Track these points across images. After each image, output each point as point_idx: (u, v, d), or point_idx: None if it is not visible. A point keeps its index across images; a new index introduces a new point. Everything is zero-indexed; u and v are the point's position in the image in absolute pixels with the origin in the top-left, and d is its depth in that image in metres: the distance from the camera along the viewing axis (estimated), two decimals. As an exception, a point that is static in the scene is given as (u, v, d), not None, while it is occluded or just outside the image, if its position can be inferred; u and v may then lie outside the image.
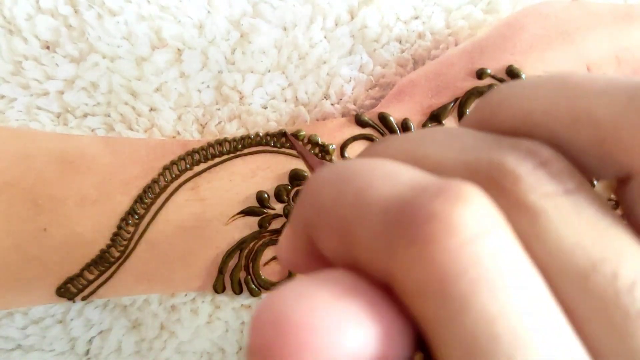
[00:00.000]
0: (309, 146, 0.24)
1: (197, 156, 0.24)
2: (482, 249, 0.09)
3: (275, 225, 0.24)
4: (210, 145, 0.24)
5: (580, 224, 0.10)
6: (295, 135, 0.23)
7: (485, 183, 0.11)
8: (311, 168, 0.20)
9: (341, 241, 0.11)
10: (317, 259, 0.13)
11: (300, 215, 0.12)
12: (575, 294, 0.10)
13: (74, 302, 0.24)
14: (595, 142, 0.11)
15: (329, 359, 0.09)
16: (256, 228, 0.24)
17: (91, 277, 0.24)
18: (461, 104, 0.23)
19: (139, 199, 0.23)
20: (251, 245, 0.24)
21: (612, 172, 0.11)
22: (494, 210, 0.10)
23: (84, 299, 0.24)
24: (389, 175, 0.11)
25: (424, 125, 0.23)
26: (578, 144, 0.11)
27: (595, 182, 0.13)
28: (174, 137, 0.25)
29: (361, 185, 0.11)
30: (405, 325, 0.10)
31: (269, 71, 0.25)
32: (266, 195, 0.24)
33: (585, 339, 0.10)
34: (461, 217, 0.09)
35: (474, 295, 0.09)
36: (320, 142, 0.24)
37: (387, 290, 0.10)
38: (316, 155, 0.24)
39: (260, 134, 0.24)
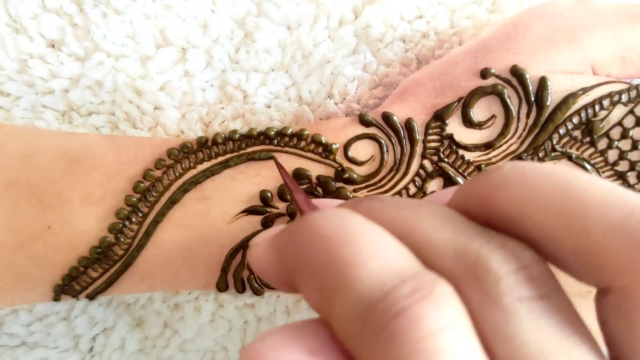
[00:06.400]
0: (312, 145, 0.24)
1: (200, 155, 0.24)
2: (439, 342, 0.11)
3: (278, 224, 0.24)
4: (214, 143, 0.24)
5: (547, 330, 0.11)
6: (280, 165, 0.22)
7: (468, 275, 0.12)
8: (296, 203, 0.19)
9: (320, 302, 0.13)
10: (291, 287, 0.15)
11: (287, 257, 0.14)
12: None
13: (77, 299, 0.24)
14: (581, 250, 0.12)
15: None
16: (259, 227, 0.24)
17: (95, 275, 0.24)
18: (465, 104, 0.23)
19: (143, 197, 0.23)
20: (254, 244, 0.24)
21: (592, 281, 0.12)
22: (458, 309, 0.12)
23: (87, 296, 0.24)
24: (378, 257, 0.12)
25: (428, 125, 0.23)
26: (565, 248, 0.12)
27: None
28: (178, 135, 0.25)
29: (352, 258, 0.12)
30: None
31: (273, 70, 0.25)
32: (269, 194, 0.24)
33: None
34: (426, 313, 0.11)
35: None
36: (323, 142, 0.24)
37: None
38: (319, 155, 0.24)
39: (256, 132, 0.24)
